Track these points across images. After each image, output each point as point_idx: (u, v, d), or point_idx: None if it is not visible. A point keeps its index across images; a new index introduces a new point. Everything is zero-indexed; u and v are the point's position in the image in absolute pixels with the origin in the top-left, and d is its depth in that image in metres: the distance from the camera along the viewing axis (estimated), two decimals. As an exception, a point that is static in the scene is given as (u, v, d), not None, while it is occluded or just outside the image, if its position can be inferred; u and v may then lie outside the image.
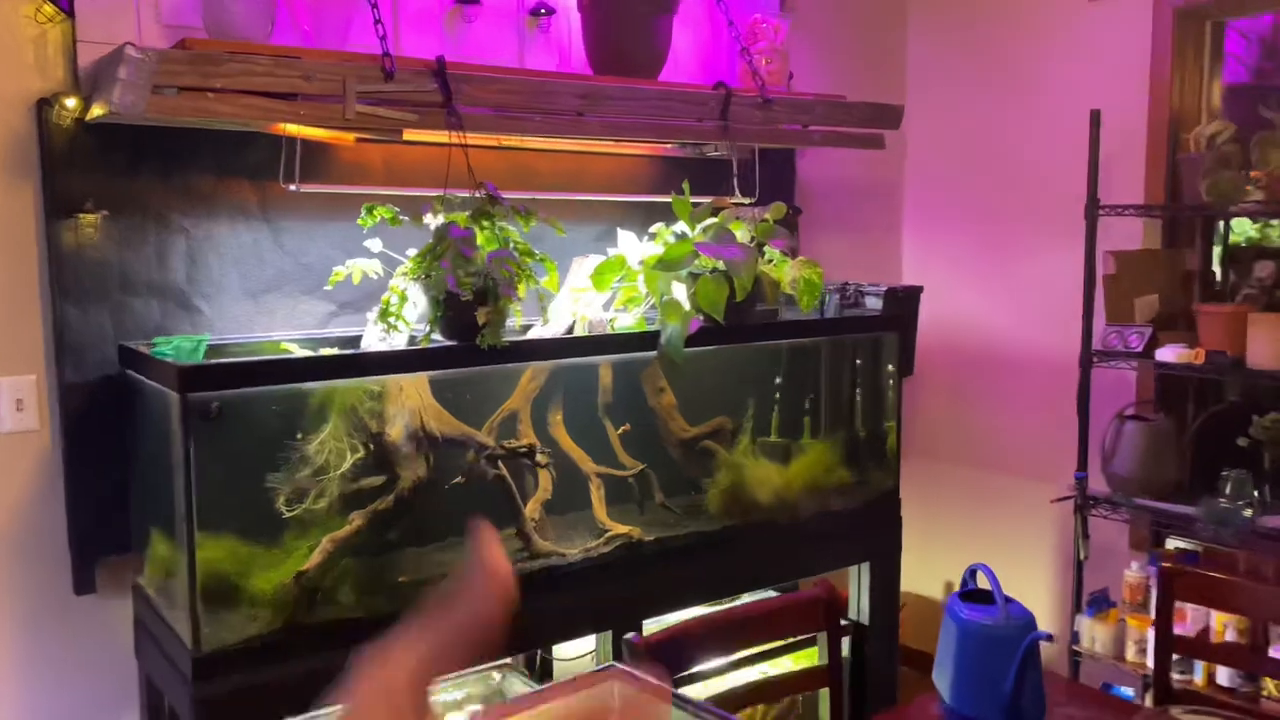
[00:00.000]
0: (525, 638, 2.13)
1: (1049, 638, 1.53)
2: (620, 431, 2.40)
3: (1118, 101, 2.91)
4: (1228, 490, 2.54)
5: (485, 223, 2.08)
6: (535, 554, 2.21)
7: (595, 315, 2.39)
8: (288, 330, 2.28)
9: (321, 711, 1.97)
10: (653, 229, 2.42)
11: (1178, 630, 2.53)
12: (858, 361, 2.78)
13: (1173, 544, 2.76)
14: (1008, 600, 1.64)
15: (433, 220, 2.08)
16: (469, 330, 2.03)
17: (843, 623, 2.69)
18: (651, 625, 2.30)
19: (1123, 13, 2.97)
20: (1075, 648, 2.80)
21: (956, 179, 3.45)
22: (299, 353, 2.14)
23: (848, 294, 2.81)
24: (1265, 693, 2.40)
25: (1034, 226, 3.20)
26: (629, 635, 1.61)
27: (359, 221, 2.08)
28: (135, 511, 2.11)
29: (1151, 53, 2.91)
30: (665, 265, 2.30)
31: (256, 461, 1.89)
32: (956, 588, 1.80)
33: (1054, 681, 1.91)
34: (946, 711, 1.66)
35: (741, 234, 2.43)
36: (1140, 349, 2.64)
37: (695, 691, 2.19)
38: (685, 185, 2.39)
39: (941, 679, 1.67)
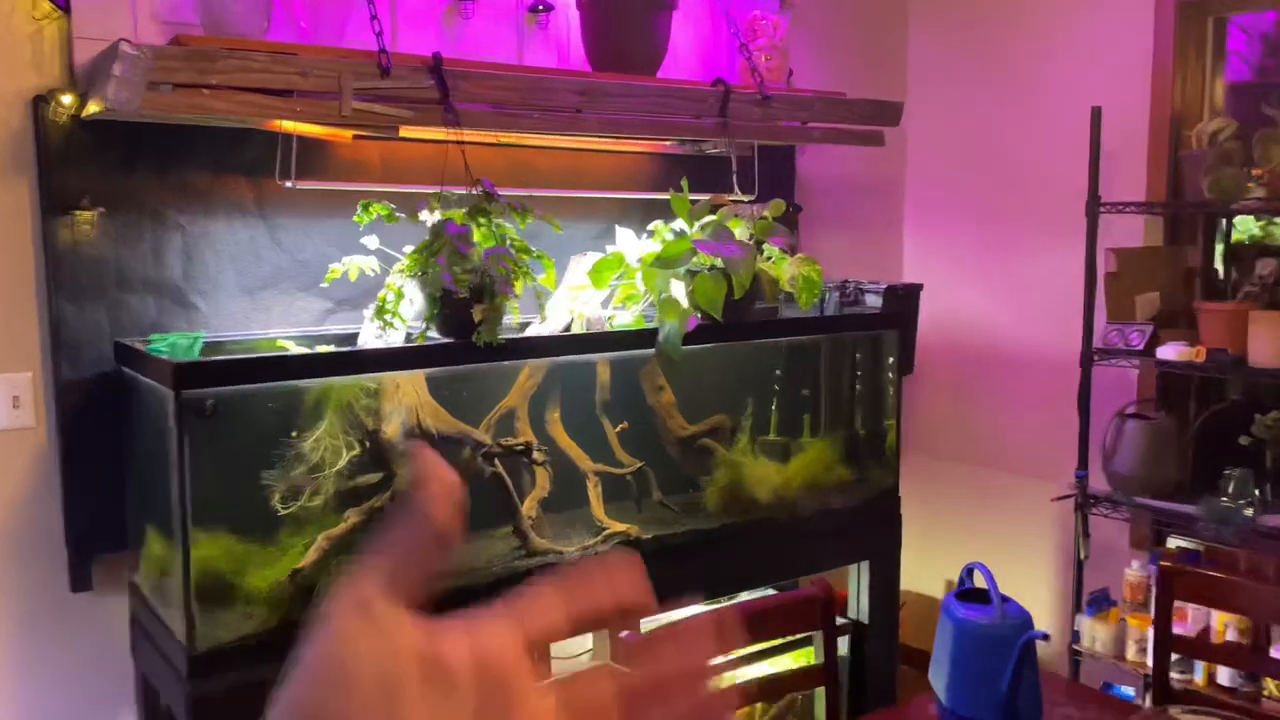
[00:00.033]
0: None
1: (1045, 637, 1.52)
2: (618, 429, 2.40)
3: (1119, 98, 2.90)
4: (1230, 489, 2.53)
5: (482, 220, 2.07)
6: (532, 552, 2.20)
7: (594, 313, 2.38)
8: (284, 327, 2.27)
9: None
10: (651, 226, 2.42)
11: (1178, 630, 2.52)
12: (857, 359, 2.77)
13: (1174, 543, 2.75)
14: (1004, 600, 1.63)
15: (429, 217, 2.07)
16: (465, 327, 2.02)
17: (840, 621, 2.69)
18: (648, 624, 2.30)
19: (1124, 8, 2.96)
20: (1075, 647, 2.78)
21: (958, 176, 3.44)
22: (295, 350, 2.13)
23: (848, 292, 2.80)
24: (1266, 693, 2.38)
25: (1035, 224, 3.19)
26: (623, 633, 1.60)
27: (355, 218, 2.07)
28: (131, 509, 2.11)
29: (1153, 49, 2.90)
30: (663, 263, 2.29)
31: (252, 459, 1.89)
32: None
33: (1052, 681, 1.91)
34: (943, 711, 1.66)
35: (740, 231, 2.43)
36: (1141, 347, 2.63)
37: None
38: (684, 182, 2.39)
39: (938, 679, 1.66)
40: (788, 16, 2.72)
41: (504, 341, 2.06)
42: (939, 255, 3.50)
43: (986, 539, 3.40)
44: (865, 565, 2.71)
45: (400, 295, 2.07)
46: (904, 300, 2.72)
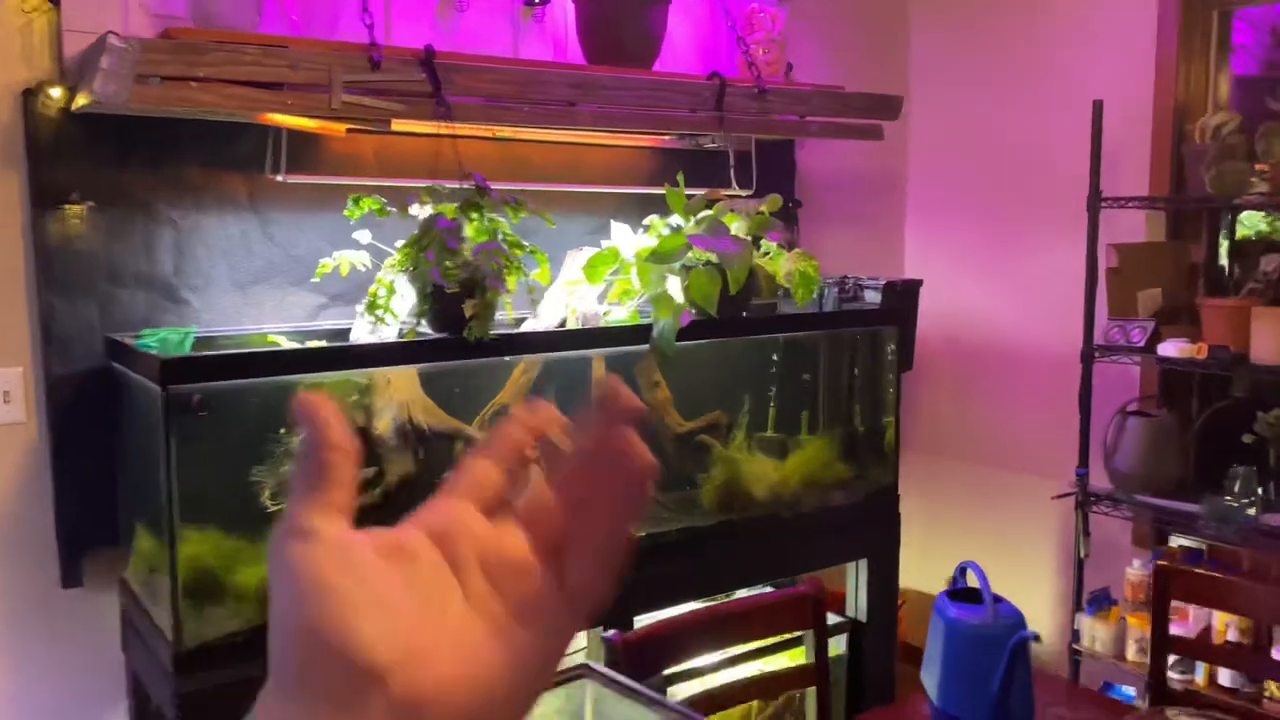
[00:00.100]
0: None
1: (1036, 637, 1.50)
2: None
3: (1123, 92, 2.87)
4: (1236, 488, 2.50)
5: (473, 214, 2.06)
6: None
7: (589, 308, 2.37)
8: (277, 322, 2.26)
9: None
10: (647, 221, 2.40)
11: (1179, 629, 2.50)
12: (856, 356, 2.75)
13: (1176, 542, 2.72)
14: (997, 599, 1.61)
15: (420, 211, 2.06)
16: (457, 323, 2.01)
17: (838, 620, 2.67)
18: (644, 621, 2.28)
19: (1128, 1, 2.93)
20: (1075, 647, 2.76)
21: (960, 171, 3.41)
22: (286, 345, 2.12)
23: (847, 288, 2.78)
24: (1267, 694, 2.35)
25: (1038, 219, 3.16)
26: (608, 633, 1.59)
27: (346, 213, 2.06)
28: (122, 505, 2.10)
29: (1157, 42, 2.86)
30: (658, 258, 2.27)
31: (241, 455, 1.88)
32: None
33: (1047, 681, 1.89)
34: (935, 711, 1.64)
35: (737, 227, 2.41)
36: (1142, 344, 2.60)
37: (685, 689, 2.17)
38: (680, 177, 2.37)
39: (929, 679, 1.65)
40: (786, 10, 2.69)
41: (495, 337, 2.04)
42: (941, 251, 3.47)
43: (987, 537, 3.38)
44: (863, 563, 2.69)
45: (392, 290, 2.05)
46: (903, 296, 2.70)
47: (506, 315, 2.26)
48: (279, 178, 2.16)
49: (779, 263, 2.43)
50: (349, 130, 2.24)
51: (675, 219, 2.37)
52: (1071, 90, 2.98)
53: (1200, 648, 2.31)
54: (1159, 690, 1.95)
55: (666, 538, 2.33)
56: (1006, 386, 3.29)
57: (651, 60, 2.50)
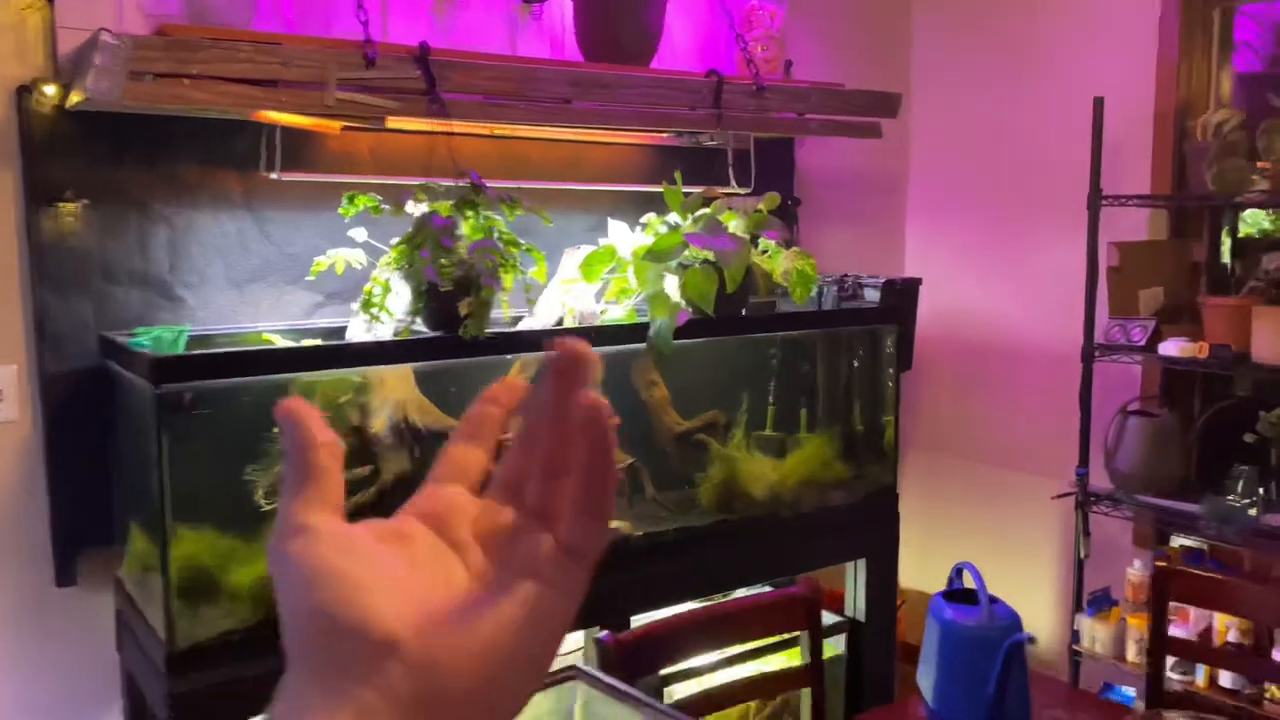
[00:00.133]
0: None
1: (1031, 640, 1.49)
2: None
3: (1125, 90, 2.85)
4: (1239, 488, 2.48)
5: (469, 212, 2.05)
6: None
7: (586, 307, 2.36)
8: (273, 321, 2.25)
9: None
10: (644, 219, 2.39)
11: (1179, 630, 2.48)
12: (855, 354, 2.74)
13: (1178, 542, 2.71)
14: (993, 600, 1.59)
15: (415, 209, 2.05)
16: (452, 321, 2.00)
17: (837, 620, 2.66)
18: (641, 621, 2.27)
19: (1130, -2, 2.91)
20: (1075, 647, 2.74)
21: (962, 169, 3.39)
22: (281, 343, 2.11)
23: (846, 286, 2.77)
24: (1269, 695, 2.34)
25: (1041, 217, 3.15)
26: (600, 634, 1.58)
27: (340, 210, 2.05)
28: (116, 504, 2.10)
29: (1158, 39, 2.84)
30: (654, 256, 2.26)
31: (235, 454, 1.87)
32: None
33: (1043, 683, 1.87)
34: (930, 713, 1.62)
35: (735, 225, 2.39)
36: (1143, 343, 2.58)
37: (681, 689, 2.16)
38: (677, 175, 2.35)
39: (925, 681, 1.63)
40: (785, 7, 2.68)
41: (491, 336, 2.03)
42: (943, 249, 3.45)
43: (988, 536, 3.36)
44: (862, 563, 2.67)
45: (387, 288, 2.05)
46: (902, 295, 2.68)
47: (503, 314, 2.25)
48: (273, 175, 2.15)
49: (777, 261, 2.41)
50: (345, 128, 2.23)
51: (673, 217, 2.36)
52: (1073, 88, 2.97)
53: (1199, 650, 2.29)
54: (1157, 692, 1.93)
55: (664, 537, 2.32)
56: (1008, 385, 3.28)
57: (649, 57, 2.49)
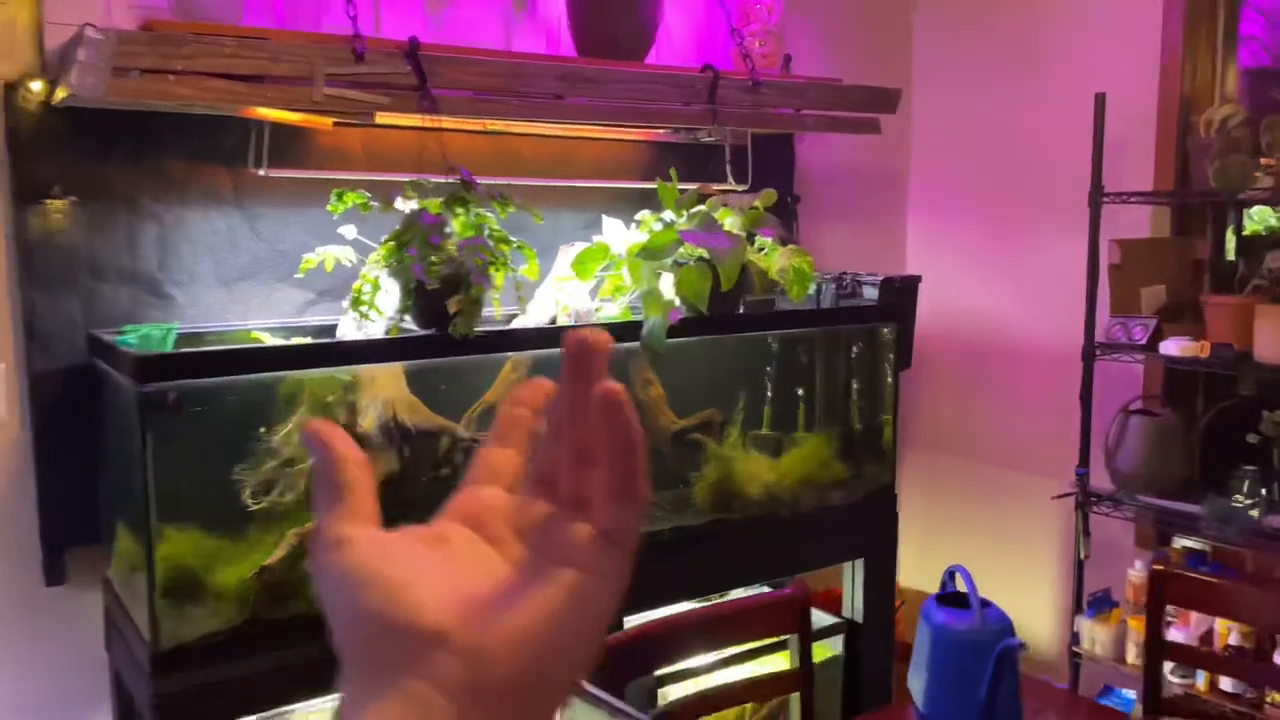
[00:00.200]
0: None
1: (1022, 646, 1.46)
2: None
3: (1128, 85, 2.82)
4: (1245, 488, 2.45)
5: (459, 209, 2.03)
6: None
7: (581, 305, 2.33)
8: (263, 318, 2.23)
9: (287, 709, 1.94)
10: (638, 216, 2.36)
11: (1180, 633, 2.45)
12: (853, 353, 2.71)
13: (1180, 543, 2.67)
14: (985, 604, 1.57)
15: (404, 206, 2.03)
16: (441, 319, 1.98)
17: (834, 620, 2.64)
18: (634, 622, 2.25)
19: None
20: (1075, 649, 2.71)
21: (964, 166, 3.36)
22: (270, 341, 2.10)
23: (844, 284, 2.74)
24: (1270, 700, 2.30)
25: (1044, 215, 3.11)
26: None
27: (329, 208, 2.03)
28: (104, 503, 2.08)
29: (1162, 34, 2.81)
30: (649, 254, 2.24)
31: (220, 453, 1.86)
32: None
33: (1038, 688, 1.85)
34: (921, 718, 1.60)
35: (730, 222, 2.37)
36: (1144, 342, 2.55)
37: (676, 690, 2.14)
38: (672, 171, 2.33)
39: (916, 684, 1.61)
40: (783, 1, 2.65)
41: (481, 334, 2.01)
42: (945, 247, 3.42)
43: (988, 536, 3.33)
44: (860, 563, 2.65)
45: (376, 286, 2.03)
46: (901, 293, 2.65)
47: (495, 311, 2.23)
48: (261, 171, 2.14)
49: (773, 259, 2.39)
50: (336, 124, 2.22)
51: (668, 214, 2.33)
52: (1076, 84, 2.93)
53: (1197, 655, 2.25)
54: (1154, 697, 1.90)
55: (659, 537, 2.30)
56: (1009, 384, 3.25)
57: (644, 52, 2.46)
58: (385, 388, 2.05)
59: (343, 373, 1.98)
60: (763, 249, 2.41)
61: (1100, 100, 2.66)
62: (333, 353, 1.94)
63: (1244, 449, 2.52)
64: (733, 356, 2.57)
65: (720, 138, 2.72)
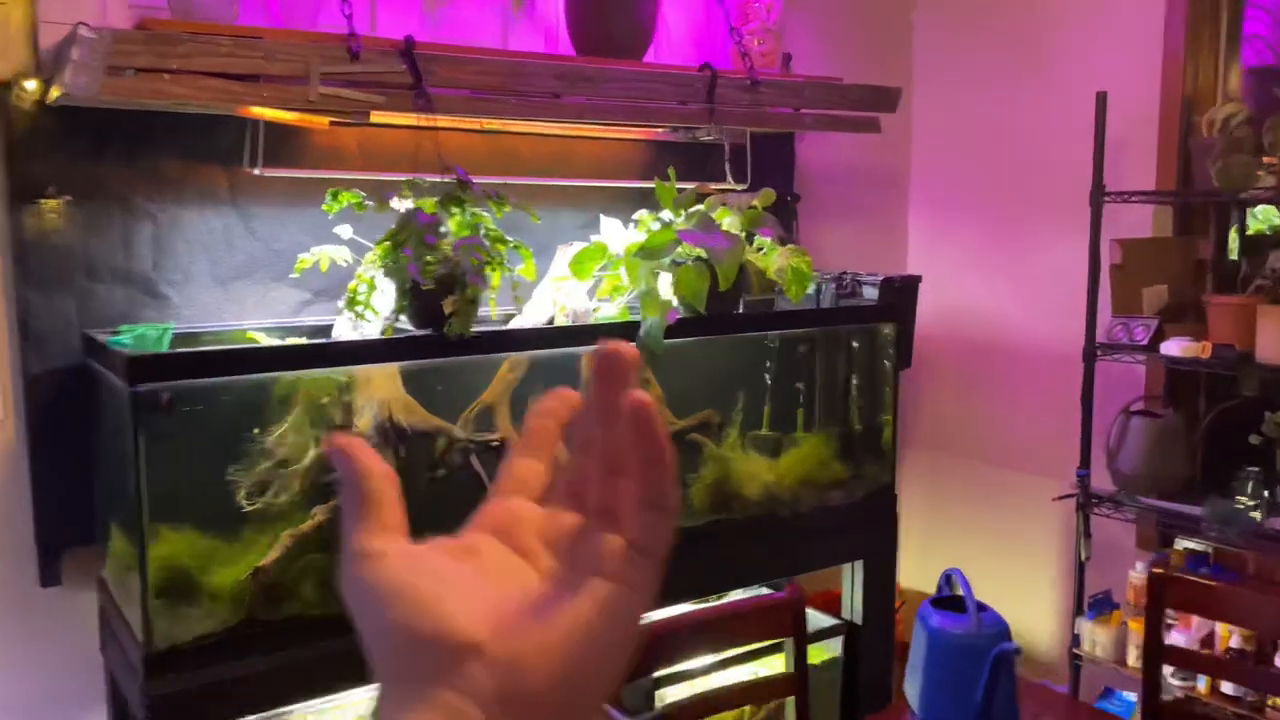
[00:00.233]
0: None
1: (1017, 651, 1.45)
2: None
3: (1130, 84, 2.80)
4: (1249, 489, 2.43)
5: (455, 209, 2.02)
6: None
7: (579, 305, 2.32)
8: (259, 318, 2.23)
9: (282, 710, 1.93)
10: (636, 216, 2.35)
11: (1181, 635, 2.44)
12: (852, 353, 2.70)
13: (1182, 544, 2.66)
14: (981, 608, 1.56)
15: (400, 206, 2.02)
16: (437, 320, 1.97)
17: (833, 622, 2.62)
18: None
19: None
20: (1076, 651, 2.70)
21: (965, 165, 3.34)
22: (265, 342, 2.09)
23: (844, 284, 2.73)
24: (1271, 704, 2.29)
25: (1045, 214, 3.10)
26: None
27: (324, 207, 2.02)
28: (98, 503, 2.08)
29: (1165, 32, 2.79)
30: (646, 253, 2.23)
31: (215, 454, 1.85)
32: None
33: (1037, 691, 1.83)
34: (917, 722, 1.59)
35: (729, 222, 2.36)
36: (1145, 342, 2.53)
37: (672, 693, 2.13)
38: (671, 171, 2.32)
39: (912, 688, 1.60)
40: (782, 0, 2.63)
41: (477, 334, 2.00)
42: (946, 246, 3.41)
43: (989, 537, 3.32)
44: (860, 564, 2.64)
45: (372, 286, 2.02)
46: (901, 293, 2.64)
47: (491, 311, 2.22)
48: (256, 171, 2.13)
49: (771, 258, 2.37)
50: (332, 123, 2.21)
51: (666, 214, 2.32)
52: (1078, 83, 2.91)
53: (1197, 659, 2.24)
54: (1153, 703, 1.88)
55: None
56: (1010, 384, 3.23)
57: (642, 51, 2.45)
58: (381, 388, 2.04)
59: (338, 373, 1.97)
60: (761, 249, 2.40)
61: (1101, 99, 2.64)
62: (326, 353, 1.93)
63: (1246, 450, 2.51)
64: (732, 356, 2.56)
65: (719, 137, 2.71)
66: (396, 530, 0.40)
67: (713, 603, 2.47)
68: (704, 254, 2.22)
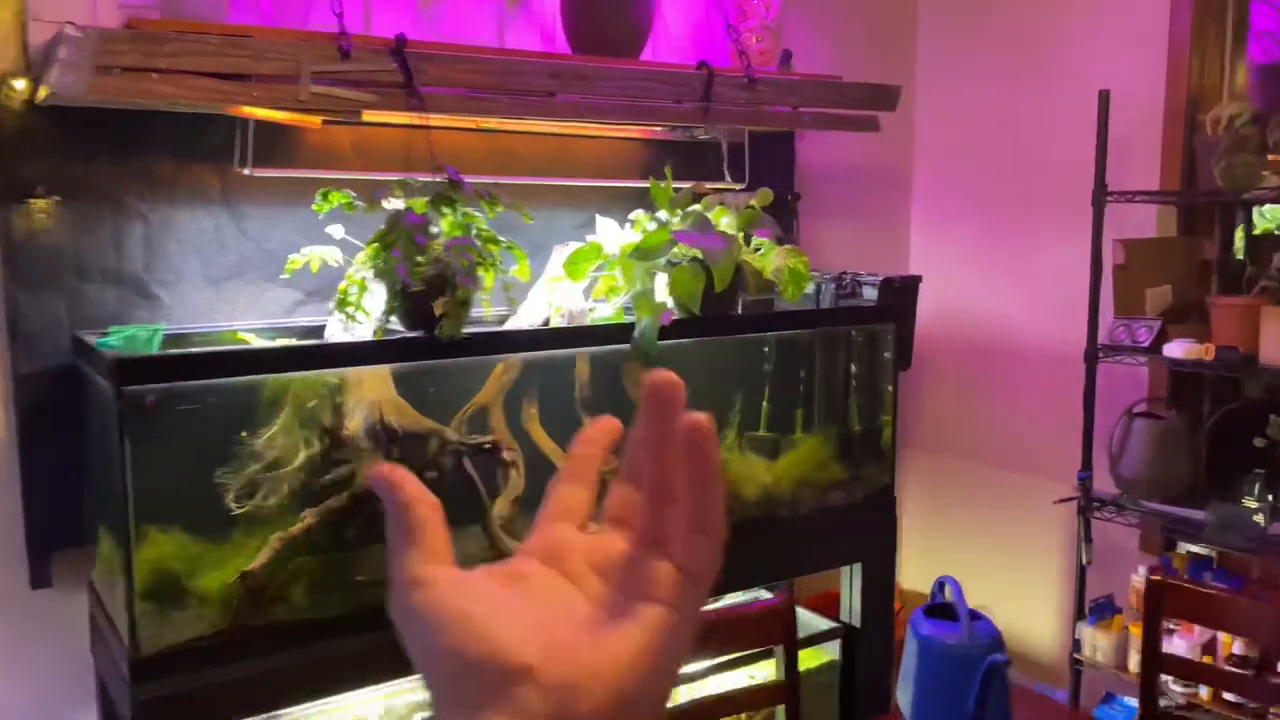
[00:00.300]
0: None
1: (1007, 663, 1.42)
2: (597, 426, 2.31)
3: (1135, 82, 2.76)
4: (1255, 491, 2.40)
5: (446, 209, 2.00)
6: (501, 553, 2.13)
7: (574, 305, 2.30)
8: (251, 319, 2.21)
9: (270, 715, 1.92)
10: (632, 216, 2.33)
11: (1183, 640, 2.41)
12: (851, 354, 2.67)
13: (1185, 548, 2.63)
14: (975, 616, 1.53)
15: (391, 206, 2.00)
16: (428, 321, 1.95)
17: (832, 625, 2.60)
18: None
19: (1141, -13, 2.82)
20: (1076, 656, 2.67)
21: (968, 164, 3.31)
22: (256, 343, 2.08)
23: (844, 284, 2.70)
24: (1274, 711, 2.26)
25: (1049, 214, 3.06)
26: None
27: (314, 207, 2.01)
28: (88, 505, 2.07)
29: (1170, 29, 2.75)
30: (641, 254, 2.20)
31: (202, 457, 1.83)
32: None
33: (1032, 700, 1.81)
34: (909, 732, 1.57)
35: (726, 222, 2.33)
36: (1148, 344, 2.50)
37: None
38: (667, 170, 2.30)
39: (904, 696, 1.58)
40: (782, -4, 2.61)
41: (469, 336, 1.98)
42: (949, 246, 3.38)
43: (990, 539, 3.29)
44: (858, 567, 2.61)
45: (364, 287, 2.00)
46: (900, 293, 2.61)
47: (485, 312, 2.20)
48: (245, 171, 2.11)
49: (769, 259, 2.35)
50: (325, 122, 2.19)
51: (662, 214, 2.30)
52: (1082, 81, 2.88)
53: (1196, 668, 2.21)
54: (1151, 713, 1.86)
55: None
56: (1011, 385, 3.20)
57: (638, 49, 2.43)
58: (372, 390, 2.03)
59: (328, 374, 1.96)
60: (759, 249, 2.38)
61: (1104, 98, 2.61)
62: (315, 355, 1.92)
63: (1250, 453, 2.47)
64: (730, 357, 2.54)
65: (717, 136, 2.68)
66: (444, 557, 0.40)
67: (707, 606, 2.45)
68: (699, 254, 2.20)
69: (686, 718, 1.72)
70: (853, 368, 2.67)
